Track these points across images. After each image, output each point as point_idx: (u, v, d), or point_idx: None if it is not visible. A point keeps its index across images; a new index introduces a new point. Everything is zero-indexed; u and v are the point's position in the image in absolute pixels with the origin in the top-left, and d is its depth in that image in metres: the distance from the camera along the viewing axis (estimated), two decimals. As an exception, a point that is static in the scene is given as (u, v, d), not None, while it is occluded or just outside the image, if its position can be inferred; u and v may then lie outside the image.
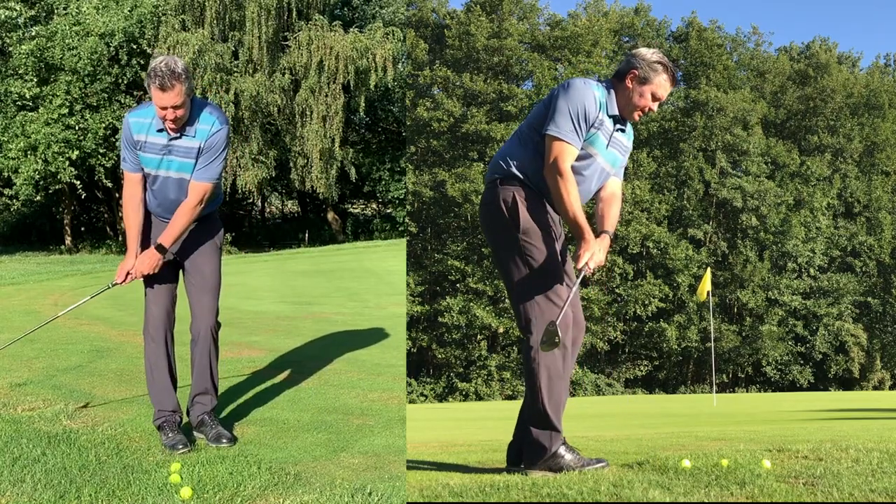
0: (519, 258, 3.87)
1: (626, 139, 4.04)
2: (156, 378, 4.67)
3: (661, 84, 3.87)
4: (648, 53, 3.89)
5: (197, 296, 4.71)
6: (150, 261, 4.53)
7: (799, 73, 42.33)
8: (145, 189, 4.60)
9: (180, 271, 4.78)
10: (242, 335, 8.37)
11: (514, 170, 3.91)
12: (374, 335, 8.55)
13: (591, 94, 3.81)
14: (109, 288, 4.80)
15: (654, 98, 3.89)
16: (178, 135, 4.42)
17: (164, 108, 4.27)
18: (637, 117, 3.93)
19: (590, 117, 3.81)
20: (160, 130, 4.42)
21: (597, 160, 3.93)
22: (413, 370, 34.94)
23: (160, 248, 4.53)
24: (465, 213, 36.13)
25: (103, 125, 28.18)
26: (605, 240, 3.89)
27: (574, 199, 3.81)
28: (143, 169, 4.54)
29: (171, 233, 4.53)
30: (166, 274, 4.66)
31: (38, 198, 30.81)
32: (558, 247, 3.93)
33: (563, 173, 3.79)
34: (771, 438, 5.12)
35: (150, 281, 4.65)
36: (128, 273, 4.56)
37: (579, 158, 3.86)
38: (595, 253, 3.79)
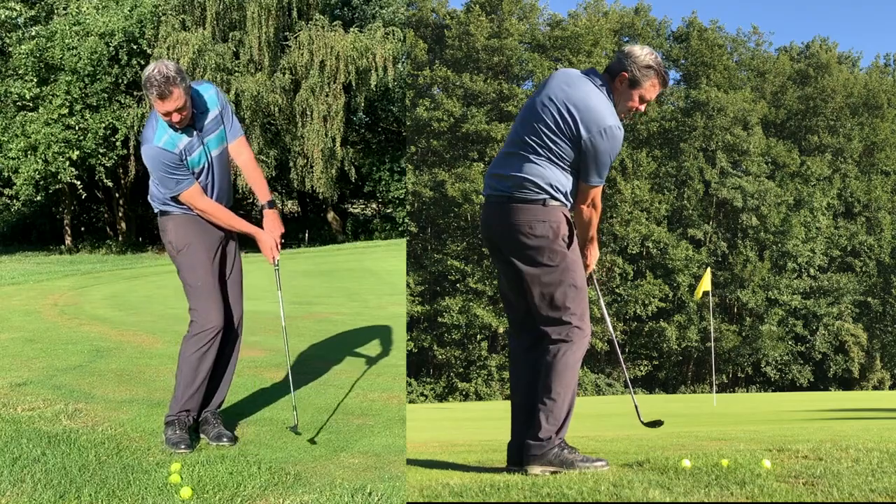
0: (562, 277, 3.86)
1: None
2: (198, 379, 4.57)
3: (650, 89, 3.89)
4: (641, 56, 3.84)
5: (232, 287, 4.81)
6: (276, 222, 4.66)
7: (799, 73, 42.35)
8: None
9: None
10: (242, 335, 8.34)
11: (553, 191, 3.85)
12: (374, 335, 8.53)
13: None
14: (277, 268, 4.84)
15: (642, 100, 3.93)
16: (196, 119, 4.46)
17: (169, 114, 4.29)
18: (623, 117, 3.94)
19: None
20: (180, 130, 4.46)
21: None
22: (413, 370, 34.94)
23: (272, 204, 4.67)
24: (465, 213, 36.13)
25: (103, 125, 28.17)
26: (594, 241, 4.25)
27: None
28: (194, 173, 4.49)
29: (261, 185, 4.71)
30: (220, 267, 4.69)
31: (38, 198, 30.80)
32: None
33: (598, 207, 4.05)
34: (771, 438, 5.12)
35: (206, 276, 4.59)
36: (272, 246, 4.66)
37: None
38: (595, 254, 4.19)
